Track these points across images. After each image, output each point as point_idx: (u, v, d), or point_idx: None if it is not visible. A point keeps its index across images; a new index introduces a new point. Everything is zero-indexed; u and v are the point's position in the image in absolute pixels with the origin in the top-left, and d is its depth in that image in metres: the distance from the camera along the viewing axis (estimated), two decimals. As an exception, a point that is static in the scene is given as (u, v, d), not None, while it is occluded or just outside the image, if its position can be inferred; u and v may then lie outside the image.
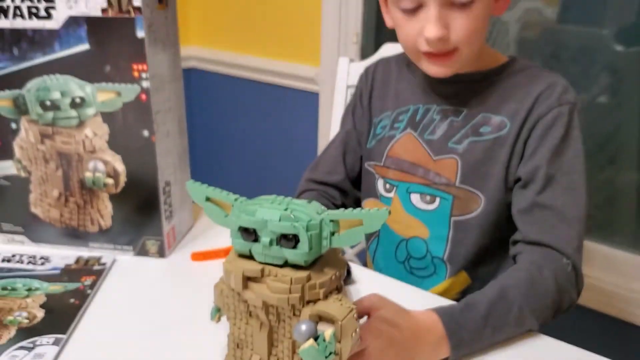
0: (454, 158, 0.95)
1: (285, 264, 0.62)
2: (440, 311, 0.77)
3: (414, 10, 0.88)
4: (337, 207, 1.07)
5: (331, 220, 0.60)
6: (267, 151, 2.20)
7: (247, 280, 0.62)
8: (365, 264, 1.18)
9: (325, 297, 0.61)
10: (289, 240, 0.60)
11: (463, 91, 0.97)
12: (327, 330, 0.59)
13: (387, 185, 1.03)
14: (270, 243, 0.60)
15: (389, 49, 1.29)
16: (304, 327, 0.59)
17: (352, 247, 1.46)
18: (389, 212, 0.59)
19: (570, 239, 0.87)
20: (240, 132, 2.30)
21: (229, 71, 2.24)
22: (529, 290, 0.81)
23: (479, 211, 0.95)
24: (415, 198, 0.99)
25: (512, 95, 0.94)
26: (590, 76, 1.60)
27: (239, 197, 0.65)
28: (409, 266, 1.03)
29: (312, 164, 1.13)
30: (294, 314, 0.62)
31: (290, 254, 0.60)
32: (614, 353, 0.79)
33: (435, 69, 0.92)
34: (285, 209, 0.61)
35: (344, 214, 0.60)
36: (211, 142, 2.42)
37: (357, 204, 1.12)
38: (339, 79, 1.36)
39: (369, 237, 1.12)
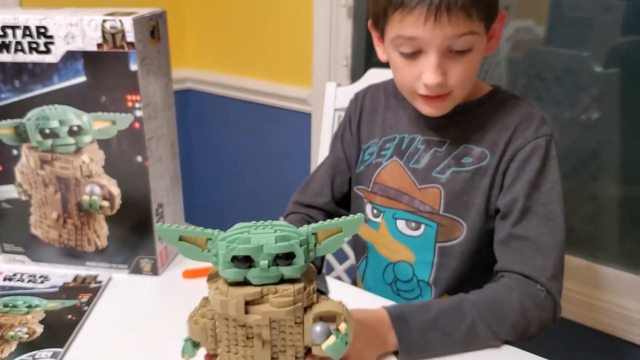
0: (438, 187, 0.99)
1: (280, 281, 0.66)
2: (390, 309, 0.84)
3: (413, 55, 0.91)
4: None
5: (313, 233, 0.67)
6: (261, 169, 2.25)
7: (246, 304, 0.65)
8: (355, 283, 1.23)
9: (317, 300, 0.68)
10: (285, 258, 0.65)
11: (446, 123, 1.01)
12: (341, 325, 0.66)
13: (375, 211, 1.07)
14: (268, 265, 0.64)
15: (374, 75, 1.34)
16: (318, 328, 0.66)
17: (340, 264, 1.51)
18: (364, 218, 0.66)
19: (544, 268, 0.91)
20: (235, 151, 2.36)
21: (225, 92, 2.30)
22: (489, 306, 0.87)
23: (462, 238, 0.99)
24: (401, 224, 1.03)
25: (492, 127, 0.98)
26: (573, 96, 1.65)
27: (214, 230, 0.68)
28: (396, 288, 1.07)
29: (301, 186, 1.17)
30: (296, 323, 0.67)
31: (287, 271, 0.65)
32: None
33: (429, 110, 0.96)
34: (275, 231, 0.66)
35: (324, 225, 0.66)
36: (207, 161, 2.48)
37: None
38: (326, 103, 1.41)
39: (358, 257, 1.17)
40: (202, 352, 0.71)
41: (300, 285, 0.66)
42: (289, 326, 0.67)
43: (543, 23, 1.74)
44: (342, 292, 1.01)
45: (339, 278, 1.45)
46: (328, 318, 0.67)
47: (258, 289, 0.65)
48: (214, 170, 2.47)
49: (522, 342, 0.90)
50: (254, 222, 0.68)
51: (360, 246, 1.13)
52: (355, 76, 1.85)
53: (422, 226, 1.01)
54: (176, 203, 1.12)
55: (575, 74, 1.66)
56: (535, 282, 0.90)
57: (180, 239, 0.67)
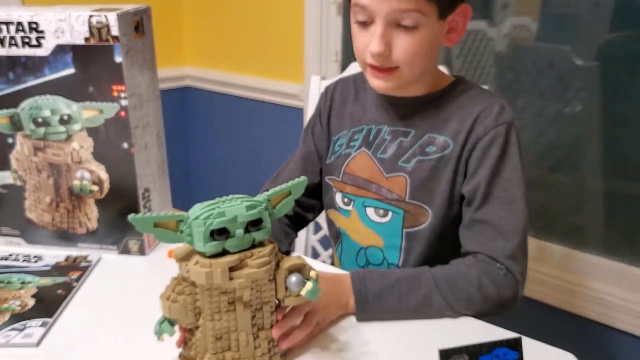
0: (404, 176, 1.04)
1: (251, 247, 0.75)
2: (354, 273, 0.93)
3: (366, 24, 0.96)
4: (287, 217, 1.18)
5: (268, 199, 0.77)
6: (256, 161, 2.32)
7: (230, 271, 0.73)
8: (333, 264, 1.29)
9: (281, 257, 0.78)
10: (254, 224, 0.73)
11: (410, 113, 1.06)
12: (311, 272, 0.78)
13: (345, 199, 1.12)
14: (243, 232, 0.73)
15: (356, 67, 1.40)
16: (294, 279, 0.76)
17: (325, 250, 1.57)
18: (307, 179, 0.78)
19: (504, 249, 0.96)
20: (231, 145, 2.43)
21: (221, 89, 2.37)
22: (446, 279, 0.93)
23: (427, 224, 1.04)
24: (370, 211, 1.09)
25: (454, 117, 1.03)
26: (556, 89, 1.70)
27: (184, 212, 0.75)
28: None
29: (273, 176, 1.23)
30: (269, 280, 0.76)
31: (258, 235, 0.74)
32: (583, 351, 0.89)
33: (376, 82, 1.01)
34: (242, 202, 0.74)
35: (276, 191, 0.77)
36: (204, 154, 2.55)
37: (309, 210, 1.23)
38: (311, 95, 1.48)
39: (334, 243, 1.22)
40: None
41: (271, 247, 0.75)
42: (263, 284, 0.75)
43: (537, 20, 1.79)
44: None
45: (324, 262, 1.51)
46: (296, 270, 0.77)
47: (236, 256, 0.73)
48: (210, 163, 2.54)
49: (485, 316, 0.96)
50: (216, 199, 0.75)
51: (334, 232, 1.19)
52: (344, 70, 1.90)
53: (390, 213, 1.06)
54: (163, 188, 1.19)
55: (558, 68, 1.71)
56: (495, 261, 0.96)
57: (155, 225, 0.73)
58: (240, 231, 0.72)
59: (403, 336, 0.90)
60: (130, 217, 0.73)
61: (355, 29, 1.00)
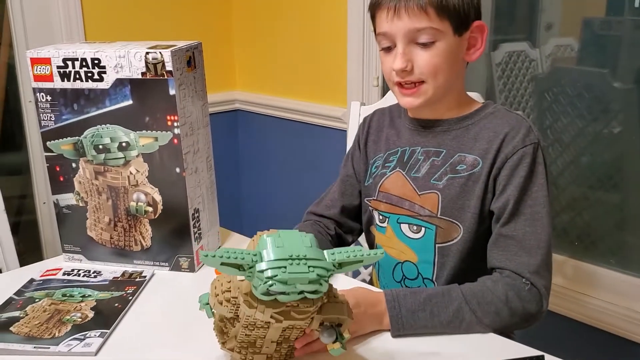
0: (436, 193, 1.11)
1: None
2: (387, 291, 0.99)
3: (390, 49, 1.08)
4: (330, 235, 1.24)
5: (339, 263, 0.76)
6: (302, 180, 2.41)
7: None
8: (371, 280, 1.35)
9: (325, 299, 0.80)
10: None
11: (442, 135, 1.13)
12: (345, 332, 0.81)
13: (381, 217, 1.19)
14: (297, 294, 0.73)
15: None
16: (326, 334, 0.80)
17: (365, 267, 1.63)
18: (383, 254, 0.81)
19: (528, 264, 1.02)
20: (278, 164, 2.52)
21: (269, 112, 2.48)
22: (475, 294, 0.99)
23: (459, 239, 1.10)
24: (404, 227, 1.15)
25: (482, 137, 1.09)
26: (595, 111, 1.72)
27: (251, 256, 0.73)
28: (405, 285, 1.19)
29: (317, 200, 1.31)
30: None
31: (311, 296, 0.74)
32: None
33: (406, 100, 1.10)
34: (309, 271, 0.72)
35: (349, 260, 0.75)
36: (253, 173, 2.65)
37: (349, 232, 1.29)
38: (351, 120, 1.55)
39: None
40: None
41: (318, 304, 0.77)
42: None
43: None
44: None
45: (364, 281, 1.57)
46: (333, 321, 0.80)
47: (283, 305, 0.75)
48: (259, 182, 2.64)
49: (510, 330, 1.01)
50: (288, 256, 0.73)
51: (371, 249, 1.25)
52: (385, 95, 1.97)
53: (423, 229, 1.12)
54: (211, 209, 1.28)
55: (596, 90, 1.73)
56: (520, 276, 1.01)
57: (222, 264, 0.74)
58: (294, 295, 0.73)
59: (426, 353, 0.95)
60: (202, 256, 0.74)
61: (382, 55, 1.11)
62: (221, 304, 0.82)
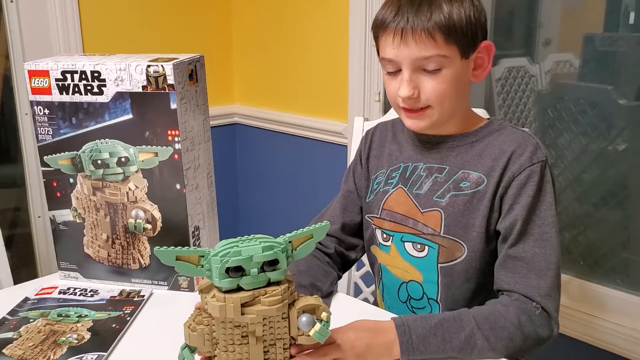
0: (438, 210, 1.08)
1: (267, 285, 0.79)
2: (397, 318, 0.95)
3: (395, 73, 1.05)
4: (328, 255, 1.21)
5: (289, 241, 0.81)
6: (301, 195, 2.38)
7: (242, 307, 0.78)
8: (376, 302, 1.32)
9: (297, 297, 0.82)
10: (270, 265, 0.78)
11: (445, 151, 1.11)
12: (322, 314, 0.81)
13: (384, 235, 1.16)
14: (258, 272, 0.77)
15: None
16: (304, 319, 0.80)
17: (367, 287, 1.60)
18: (329, 224, 0.81)
19: (538, 287, 0.99)
20: (277, 179, 2.49)
21: (268, 126, 2.45)
22: (487, 319, 0.95)
23: (462, 258, 1.07)
24: (408, 246, 1.12)
25: (487, 154, 1.07)
26: (599, 128, 1.71)
27: (205, 248, 0.80)
28: (411, 306, 1.16)
29: (318, 216, 1.28)
30: (283, 318, 0.80)
31: (273, 275, 0.79)
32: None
33: (411, 122, 1.08)
34: (260, 243, 0.78)
35: (297, 234, 0.81)
36: (252, 188, 2.62)
37: (351, 249, 1.26)
38: (354, 135, 1.52)
39: (375, 279, 1.26)
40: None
41: (285, 286, 0.79)
42: (277, 321, 0.80)
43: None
44: (364, 312, 1.10)
45: (366, 300, 1.54)
46: (309, 310, 0.81)
47: (250, 292, 0.78)
48: (257, 198, 2.61)
49: (522, 355, 0.98)
50: (238, 237, 0.80)
51: (376, 269, 1.22)
52: (387, 110, 1.95)
53: (426, 248, 1.09)
54: (212, 226, 1.24)
55: (600, 107, 1.71)
56: (531, 300, 0.98)
57: (177, 258, 0.79)
58: (254, 270, 0.77)
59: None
60: (155, 249, 0.79)
61: (386, 78, 1.08)
62: (194, 331, 0.80)
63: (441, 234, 1.08)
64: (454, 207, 1.07)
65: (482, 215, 1.05)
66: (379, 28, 1.05)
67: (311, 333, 0.80)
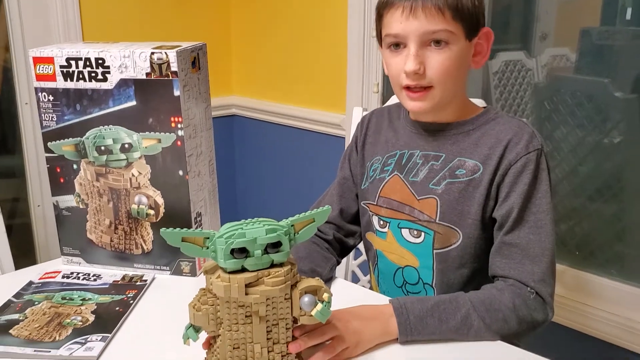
0: (434, 198, 1.10)
1: (270, 266, 0.81)
2: (394, 300, 0.97)
3: (397, 48, 1.05)
4: (327, 242, 1.23)
5: (292, 225, 0.84)
6: (298, 187, 2.39)
7: (245, 287, 0.80)
8: (371, 287, 1.34)
9: (300, 279, 0.84)
10: (274, 247, 0.80)
11: (442, 138, 1.12)
12: (324, 295, 0.83)
13: (381, 222, 1.18)
14: (261, 253, 0.79)
15: (396, 99, 1.45)
16: (307, 299, 0.83)
17: (365, 275, 1.62)
18: (330, 208, 0.84)
19: (532, 273, 1.01)
20: (275, 171, 2.51)
21: (266, 117, 2.46)
22: (482, 302, 0.98)
23: (457, 245, 1.09)
24: (405, 232, 1.14)
25: (484, 142, 1.08)
26: (595, 120, 1.72)
27: (211, 231, 0.83)
28: (406, 290, 1.18)
29: (315, 202, 1.29)
30: (285, 298, 0.82)
31: (276, 257, 0.81)
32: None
33: (412, 104, 1.07)
34: (264, 226, 0.80)
35: (300, 218, 0.84)
36: (249, 179, 2.63)
37: (350, 235, 1.27)
38: (353, 126, 1.53)
39: (371, 265, 1.27)
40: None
41: (287, 267, 0.82)
42: (280, 302, 0.82)
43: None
44: (362, 297, 1.12)
45: (363, 286, 1.56)
46: (311, 291, 0.83)
47: (254, 273, 0.80)
48: (255, 189, 2.62)
49: (518, 338, 1.00)
50: (242, 220, 0.83)
51: (372, 255, 1.24)
52: (385, 102, 1.96)
53: (422, 234, 1.11)
54: (213, 213, 1.26)
55: (596, 100, 1.73)
56: (525, 285, 1.00)
57: (183, 240, 0.82)
58: (258, 252, 0.80)
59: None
60: (162, 231, 0.81)
61: (388, 56, 1.08)
62: (199, 310, 0.82)
63: (437, 221, 1.09)
64: (450, 194, 1.08)
65: (478, 203, 1.06)
66: (385, 6, 1.06)
67: (313, 313, 0.83)
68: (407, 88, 1.06)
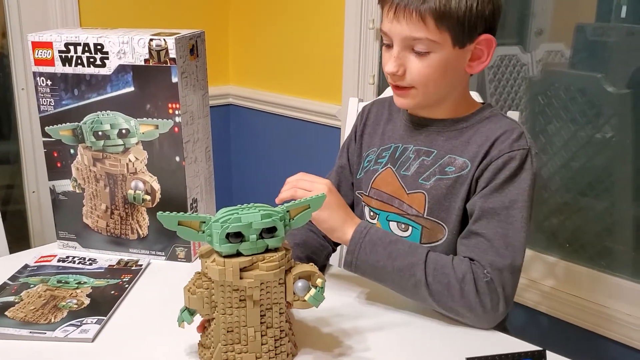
0: (423, 193, 1.10)
1: (265, 251, 0.83)
2: (366, 222, 1.04)
3: (389, 47, 1.06)
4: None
5: (287, 211, 0.85)
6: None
7: (240, 271, 0.81)
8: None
9: (294, 264, 0.86)
10: (269, 232, 0.81)
11: (435, 135, 1.12)
12: (318, 280, 0.85)
13: (371, 213, 1.18)
14: (256, 238, 0.81)
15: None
16: (300, 284, 0.84)
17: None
18: (325, 196, 0.86)
19: (493, 262, 0.99)
20: (270, 161, 2.52)
21: (262, 107, 2.47)
22: (436, 261, 1.00)
23: (443, 240, 1.09)
24: (393, 225, 1.14)
25: (475, 140, 1.08)
26: (588, 115, 1.74)
27: (207, 215, 0.84)
28: None
29: None
30: (279, 283, 0.84)
31: (271, 242, 0.83)
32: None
33: (397, 100, 1.10)
34: (259, 211, 0.82)
35: (295, 204, 0.86)
36: (246, 169, 2.64)
37: None
38: (349, 116, 1.55)
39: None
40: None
41: (282, 253, 0.84)
42: (274, 286, 0.84)
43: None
44: (358, 283, 1.13)
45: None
46: (305, 277, 0.85)
47: (249, 257, 0.82)
48: (250, 178, 2.63)
49: (459, 317, 1.00)
50: (238, 205, 0.84)
51: None
52: (381, 93, 1.97)
53: (410, 228, 1.12)
54: (209, 199, 1.27)
55: (589, 95, 1.74)
56: (483, 267, 0.99)
57: (179, 223, 0.83)
58: (253, 236, 0.81)
59: (426, 347, 0.96)
60: (159, 214, 0.82)
61: (383, 50, 1.10)
62: (194, 294, 0.84)
63: (424, 216, 1.10)
64: (438, 190, 1.08)
65: (461, 198, 1.07)
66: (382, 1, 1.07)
67: (306, 298, 0.84)
68: (393, 85, 1.09)
